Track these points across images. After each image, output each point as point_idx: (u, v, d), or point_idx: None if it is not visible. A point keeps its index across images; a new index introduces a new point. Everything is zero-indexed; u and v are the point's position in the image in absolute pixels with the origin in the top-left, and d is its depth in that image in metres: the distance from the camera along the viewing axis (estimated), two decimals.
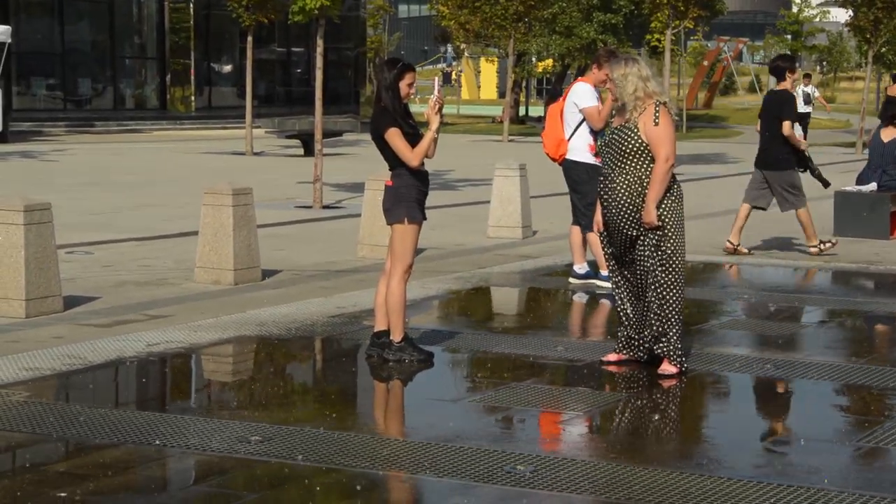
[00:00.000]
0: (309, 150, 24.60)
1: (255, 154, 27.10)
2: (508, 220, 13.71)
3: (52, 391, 6.92)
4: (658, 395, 7.00)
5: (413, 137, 7.34)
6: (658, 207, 7.10)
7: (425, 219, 7.50)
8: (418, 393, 7.22)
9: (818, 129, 39.57)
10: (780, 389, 7.21)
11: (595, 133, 10.12)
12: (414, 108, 8.09)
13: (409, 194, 7.37)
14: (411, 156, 7.31)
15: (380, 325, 7.59)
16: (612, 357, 7.50)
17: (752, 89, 66.87)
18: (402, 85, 7.38)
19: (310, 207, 16.51)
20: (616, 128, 7.23)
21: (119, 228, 14.03)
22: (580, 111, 10.14)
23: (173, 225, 14.32)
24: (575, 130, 10.19)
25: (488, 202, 14.05)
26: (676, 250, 7.18)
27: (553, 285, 10.43)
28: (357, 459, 5.55)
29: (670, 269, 7.16)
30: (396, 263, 7.43)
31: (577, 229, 10.42)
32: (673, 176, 7.21)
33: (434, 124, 7.32)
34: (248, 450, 5.65)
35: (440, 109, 7.36)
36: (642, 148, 7.09)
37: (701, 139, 36.56)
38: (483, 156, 26.33)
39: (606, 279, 8.96)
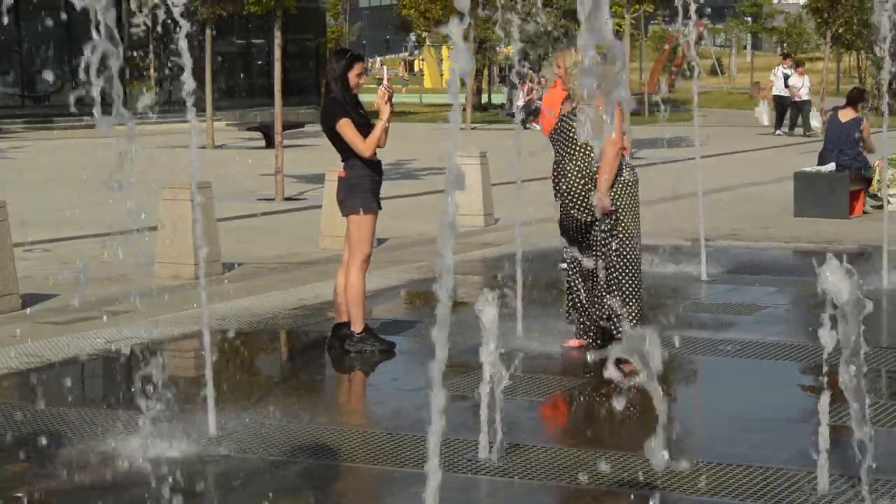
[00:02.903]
0: (270, 142, 24.48)
1: (217, 147, 26.94)
2: (470, 208, 13.69)
3: (11, 390, 6.84)
4: (620, 380, 6.98)
5: (364, 127, 7.32)
6: (609, 192, 7.11)
7: (380, 208, 7.48)
8: (380, 383, 7.20)
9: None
10: (742, 371, 7.23)
11: None
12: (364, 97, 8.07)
13: (362, 184, 7.34)
14: (363, 146, 7.29)
15: (340, 317, 7.56)
16: (574, 343, 7.50)
17: (713, 72, 67.13)
18: (352, 75, 7.35)
19: (271, 199, 16.43)
20: (565, 115, 7.23)
21: (78, 225, 13.90)
22: None
23: (133, 220, 14.18)
24: None
25: None
26: (631, 235, 7.18)
27: (516, 272, 10.42)
28: (319, 451, 5.53)
29: (625, 254, 7.17)
30: (354, 254, 7.40)
31: None
32: (622, 160, 7.22)
33: (384, 114, 7.30)
34: (209, 444, 5.61)
35: (389, 98, 7.33)
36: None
37: (663, 123, 36.67)
38: (445, 144, 26.27)
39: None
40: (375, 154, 7.39)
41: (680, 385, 7.16)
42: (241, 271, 10.73)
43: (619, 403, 6.52)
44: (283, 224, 14.17)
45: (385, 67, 7.66)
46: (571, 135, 7.14)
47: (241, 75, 42.82)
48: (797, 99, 29.86)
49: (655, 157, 23.05)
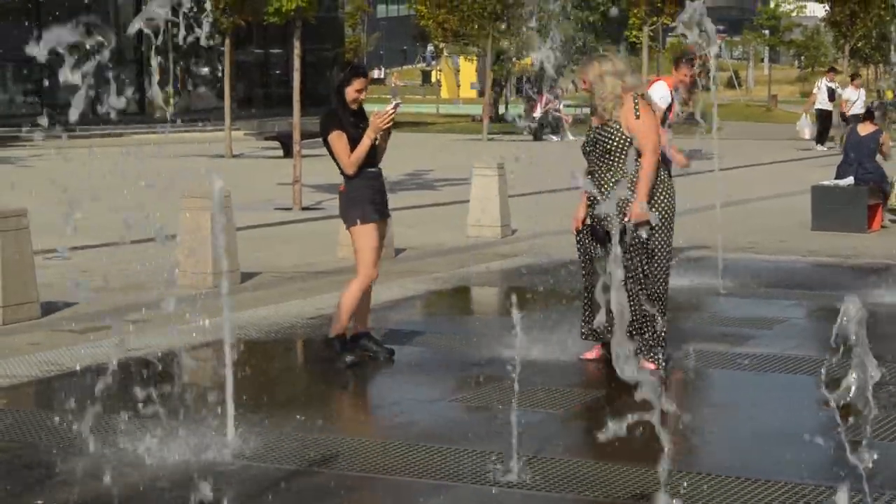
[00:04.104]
0: (288, 152, 24.55)
1: (235, 156, 27.03)
2: (487, 219, 13.72)
3: (30, 398, 6.89)
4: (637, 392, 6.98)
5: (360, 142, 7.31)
6: (660, 198, 7.08)
7: (382, 217, 7.46)
8: (397, 394, 7.20)
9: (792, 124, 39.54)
10: (759, 384, 7.23)
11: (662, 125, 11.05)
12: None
13: (361, 196, 7.36)
14: (347, 163, 7.32)
15: (357, 327, 7.60)
16: (592, 354, 7.50)
17: (730, 85, 67.08)
18: (350, 90, 7.33)
19: (289, 209, 16.48)
20: (598, 126, 7.18)
21: (97, 233, 13.96)
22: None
23: (152, 229, 14.25)
24: None
25: (467, 201, 14.06)
26: (663, 246, 7.17)
27: (533, 284, 10.44)
28: (335, 461, 5.54)
29: (655, 265, 7.15)
30: (359, 266, 7.43)
31: None
32: (663, 169, 7.20)
33: (372, 131, 7.25)
34: (226, 453, 5.64)
35: (386, 120, 7.24)
36: (627, 143, 7.05)
37: (680, 135, 36.60)
38: (462, 155, 26.33)
39: None
40: (375, 164, 7.39)
41: (697, 398, 7.16)
42: (259, 280, 10.77)
43: (637, 415, 6.53)
44: (301, 233, 14.21)
45: (395, 102, 7.55)
46: (606, 145, 7.09)
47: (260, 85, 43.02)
48: (846, 112, 27.64)
49: (675, 169, 23.00)
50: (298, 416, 6.36)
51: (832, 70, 31.12)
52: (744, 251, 12.51)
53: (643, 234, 7.09)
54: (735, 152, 28.79)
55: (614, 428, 6.37)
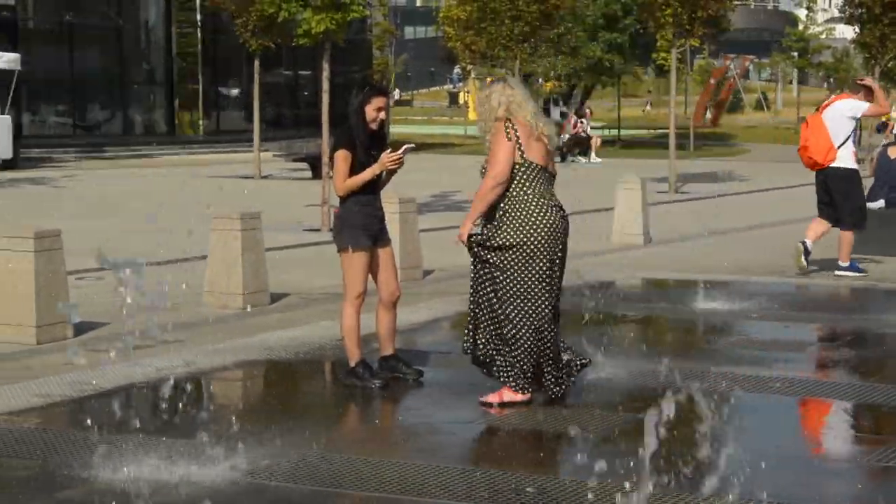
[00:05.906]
0: (317, 173, 24.68)
1: (264, 177, 27.17)
2: None
3: (64, 418, 6.94)
4: (666, 416, 6.96)
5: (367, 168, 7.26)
6: (505, 229, 6.81)
7: (376, 244, 7.38)
8: (425, 416, 7.22)
9: None
10: (788, 408, 7.20)
11: (855, 142, 12.23)
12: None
13: (352, 220, 7.29)
14: (339, 185, 7.22)
15: (385, 350, 7.64)
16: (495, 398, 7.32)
17: (758, 107, 66.89)
18: (369, 109, 7.23)
19: (318, 230, 16.55)
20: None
21: (128, 254, 14.06)
22: (865, 115, 12.11)
23: (182, 250, 14.36)
24: (845, 140, 11.92)
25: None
26: (510, 284, 6.83)
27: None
28: (363, 483, 5.56)
29: (504, 304, 6.86)
30: (347, 291, 7.42)
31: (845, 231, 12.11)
32: (546, 202, 6.86)
33: (378, 167, 7.19)
34: (256, 475, 5.67)
35: (395, 161, 7.18)
36: None
37: (709, 157, 36.55)
38: None
39: (858, 270, 12.03)
40: (374, 192, 7.32)
41: (725, 421, 7.13)
42: (287, 302, 10.82)
43: (665, 439, 6.52)
44: (330, 255, 14.23)
45: (408, 145, 7.42)
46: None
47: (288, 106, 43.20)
48: None
49: (704, 191, 22.97)
50: (326, 436, 6.39)
51: None
52: (773, 274, 12.47)
53: (497, 261, 6.78)
54: (764, 175, 28.72)
55: (642, 450, 6.37)
